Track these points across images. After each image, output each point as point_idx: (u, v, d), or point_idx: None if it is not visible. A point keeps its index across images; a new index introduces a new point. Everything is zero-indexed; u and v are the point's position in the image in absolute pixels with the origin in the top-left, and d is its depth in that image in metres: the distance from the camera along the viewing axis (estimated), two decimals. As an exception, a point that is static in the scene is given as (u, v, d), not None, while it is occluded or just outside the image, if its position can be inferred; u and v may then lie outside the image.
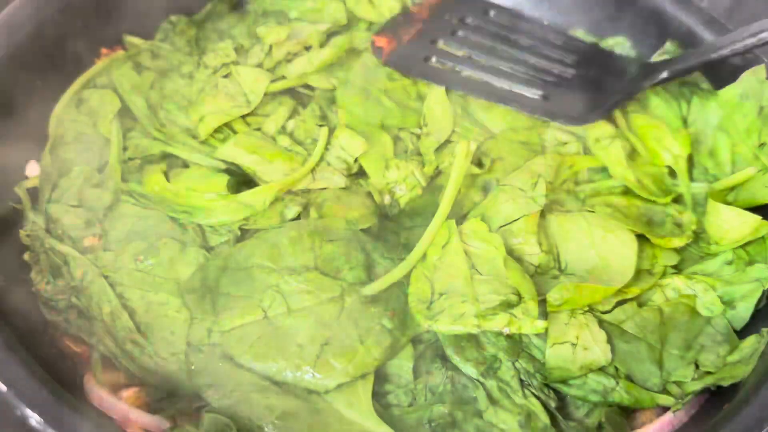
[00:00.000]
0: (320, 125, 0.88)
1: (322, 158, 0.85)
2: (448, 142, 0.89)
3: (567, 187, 0.87)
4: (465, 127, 0.90)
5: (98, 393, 0.64)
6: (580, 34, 1.08)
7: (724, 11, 1.23)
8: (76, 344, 0.69)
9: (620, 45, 1.05)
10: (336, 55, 0.94)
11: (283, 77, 0.95)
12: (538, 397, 0.67)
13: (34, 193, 0.79)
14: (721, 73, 0.91)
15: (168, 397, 0.66)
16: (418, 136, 0.90)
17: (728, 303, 0.74)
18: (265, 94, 0.92)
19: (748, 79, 0.86)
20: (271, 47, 0.98)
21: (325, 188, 0.82)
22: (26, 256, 0.73)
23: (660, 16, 0.99)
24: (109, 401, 0.63)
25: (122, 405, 0.63)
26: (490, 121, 0.91)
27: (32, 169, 0.81)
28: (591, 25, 1.07)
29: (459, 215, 0.81)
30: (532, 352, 0.70)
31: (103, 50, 0.95)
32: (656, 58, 1.00)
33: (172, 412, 0.64)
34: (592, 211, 0.80)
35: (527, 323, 0.68)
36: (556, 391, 0.69)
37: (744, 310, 0.73)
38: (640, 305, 0.75)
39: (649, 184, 0.85)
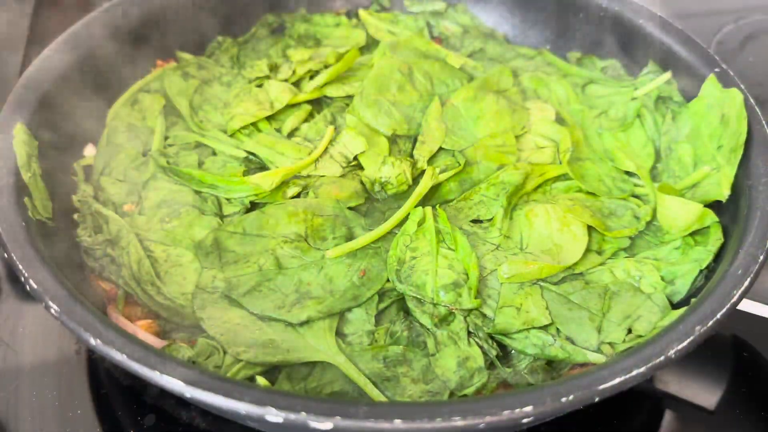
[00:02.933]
0: (328, 125, 1.03)
1: (326, 152, 0.99)
2: (441, 149, 1.01)
3: (540, 189, 0.97)
4: (453, 139, 1.02)
5: (117, 318, 0.79)
6: (576, 55, 1.20)
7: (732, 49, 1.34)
8: (106, 284, 0.84)
9: (612, 66, 1.16)
10: (344, 67, 1.09)
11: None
12: (481, 346, 0.77)
13: (87, 170, 0.97)
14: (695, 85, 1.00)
15: (175, 328, 0.81)
16: (414, 142, 1.03)
17: (669, 281, 0.82)
18: (289, 106, 1.07)
19: (708, 89, 0.95)
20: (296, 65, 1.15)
21: (324, 175, 0.96)
22: (76, 216, 0.90)
23: (644, 37, 1.10)
24: (125, 323, 0.78)
25: (134, 327, 0.78)
26: (477, 128, 1.04)
27: (89, 150, 0.99)
28: (586, 49, 1.20)
29: (439, 201, 0.94)
30: (484, 310, 0.80)
31: (158, 61, 1.14)
32: (641, 77, 1.10)
33: (175, 336, 0.79)
34: (554, 204, 0.91)
35: (467, 301, 0.79)
36: (503, 346, 0.79)
37: (681, 286, 0.81)
38: (588, 283, 0.84)
39: (612, 186, 0.95)
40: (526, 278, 0.81)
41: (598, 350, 0.77)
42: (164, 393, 0.80)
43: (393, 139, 1.02)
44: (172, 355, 0.73)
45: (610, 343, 0.77)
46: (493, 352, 0.77)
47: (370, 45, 1.23)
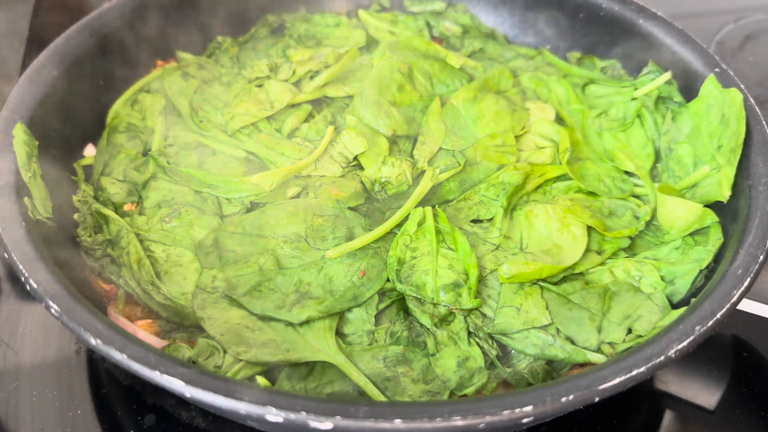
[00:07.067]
0: (328, 125, 1.03)
1: (326, 152, 0.99)
2: (441, 149, 1.01)
3: (540, 190, 0.97)
4: (453, 139, 1.02)
5: (117, 318, 0.79)
6: (576, 55, 1.20)
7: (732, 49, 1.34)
8: (106, 284, 0.84)
9: (612, 66, 1.16)
10: (344, 67, 1.08)
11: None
12: (481, 346, 0.77)
13: (87, 170, 0.97)
14: (695, 85, 1.00)
15: (175, 328, 0.81)
16: (414, 142, 1.03)
17: (669, 281, 0.82)
18: (289, 106, 1.07)
19: (708, 89, 0.95)
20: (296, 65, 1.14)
21: (324, 175, 0.96)
22: (76, 216, 0.90)
23: (644, 37, 1.10)
24: (125, 323, 0.78)
25: (134, 327, 0.77)
26: (477, 129, 1.04)
27: (89, 150, 0.99)
28: (585, 49, 1.20)
29: (439, 201, 0.94)
30: (484, 310, 0.80)
31: (159, 62, 1.14)
32: (641, 77, 1.10)
33: (175, 336, 0.79)
34: (554, 204, 0.91)
35: (467, 301, 0.79)
36: (503, 346, 0.79)
37: (681, 286, 0.81)
38: (588, 283, 0.83)
39: (611, 186, 0.95)
40: (526, 278, 0.81)
41: (598, 350, 0.77)
42: (164, 393, 0.80)
43: (393, 139, 1.02)
44: (172, 355, 0.73)
45: (610, 343, 0.77)
46: (493, 352, 0.77)
47: (370, 45, 1.23)
